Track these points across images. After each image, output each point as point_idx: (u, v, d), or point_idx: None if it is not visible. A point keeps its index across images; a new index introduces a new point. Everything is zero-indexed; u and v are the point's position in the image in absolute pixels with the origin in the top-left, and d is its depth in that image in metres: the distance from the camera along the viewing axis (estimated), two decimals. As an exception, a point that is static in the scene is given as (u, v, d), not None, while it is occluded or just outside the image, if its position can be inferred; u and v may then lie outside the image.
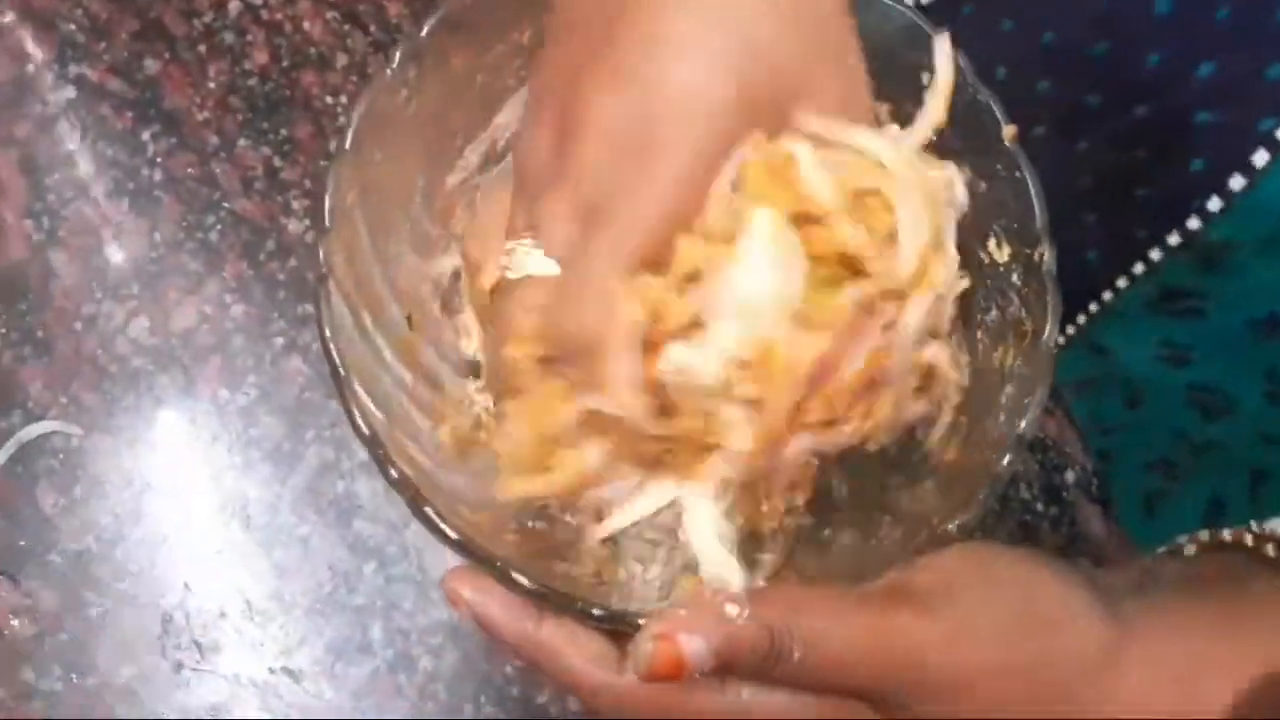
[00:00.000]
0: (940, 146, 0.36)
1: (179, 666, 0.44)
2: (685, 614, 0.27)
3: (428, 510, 0.30)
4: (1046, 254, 0.33)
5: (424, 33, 0.34)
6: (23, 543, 0.45)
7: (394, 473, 0.30)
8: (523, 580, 0.29)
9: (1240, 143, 0.37)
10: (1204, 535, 0.33)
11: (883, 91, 0.37)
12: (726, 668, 0.27)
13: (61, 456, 0.46)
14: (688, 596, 0.28)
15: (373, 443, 0.31)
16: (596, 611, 0.29)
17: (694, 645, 0.26)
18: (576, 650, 0.29)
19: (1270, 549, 0.31)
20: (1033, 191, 0.34)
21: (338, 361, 0.32)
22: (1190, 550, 0.34)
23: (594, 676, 0.28)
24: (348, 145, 0.33)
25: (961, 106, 0.35)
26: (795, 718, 0.28)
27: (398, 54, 0.34)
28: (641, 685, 0.27)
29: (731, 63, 0.28)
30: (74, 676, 0.43)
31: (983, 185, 0.35)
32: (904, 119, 0.35)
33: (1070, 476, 0.50)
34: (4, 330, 0.48)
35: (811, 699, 0.28)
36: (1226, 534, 0.32)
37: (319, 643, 0.45)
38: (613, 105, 0.28)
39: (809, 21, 0.29)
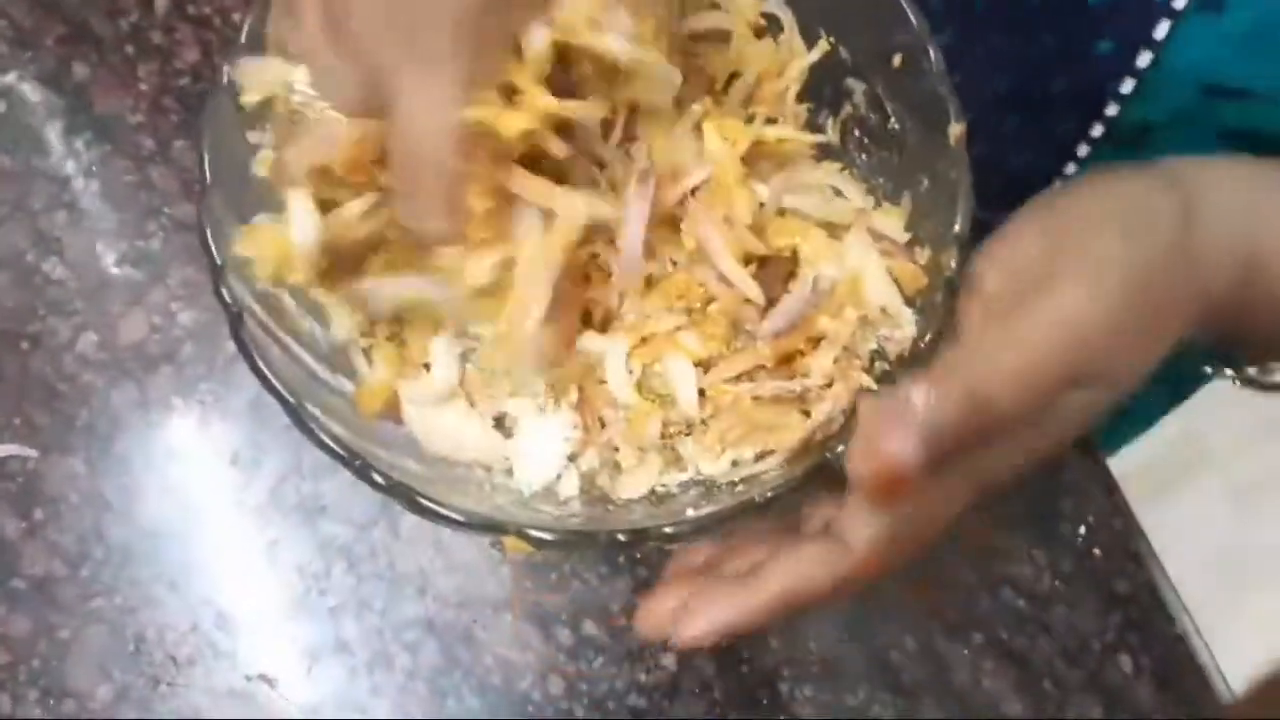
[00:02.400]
0: (899, 137, 0.36)
1: (155, 683, 0.43)
2: (876, 423, 0.25)
3: (424, 502, 0.30)
4: (954, 262, 0.32)
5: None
6: (-14, 570, 0.44)
7: (380, 480, 0.30)
8: (543, 535, 0.29)
9: (1141, 18, 0.37)
10: None
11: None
12: (942, 455, 0.26)
13: (19, 480, 0.45)
14: (868, 411, 0.27)
15: (350, 459, 0.30)
16: (622, 537, 0.29)
17: (902, 448, 0.25)
18: (804, 571, 0.28)
19: None
20: (960, 195, 0.33)
21: (282, 389, 0.31)
22: None
23: (838, 576, 0.28)
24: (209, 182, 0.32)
25: (924, 97, 0.34)
26: (1027, 452, 0.29)
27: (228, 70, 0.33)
28: (879, 548, 0.27)
29: None
30: (51, 701, 0.43)
31: (925, 182, 0.35)
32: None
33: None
34: (-49, 356, 0.47)
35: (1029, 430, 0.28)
36: None
37: (294, 648, 0.44)
38: None
39: None
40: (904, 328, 0.34)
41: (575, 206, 0.31)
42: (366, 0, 0.27)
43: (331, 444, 0.30)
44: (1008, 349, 0.27)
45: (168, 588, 0.44)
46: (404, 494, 0.30)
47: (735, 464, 0.34)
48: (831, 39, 0.37)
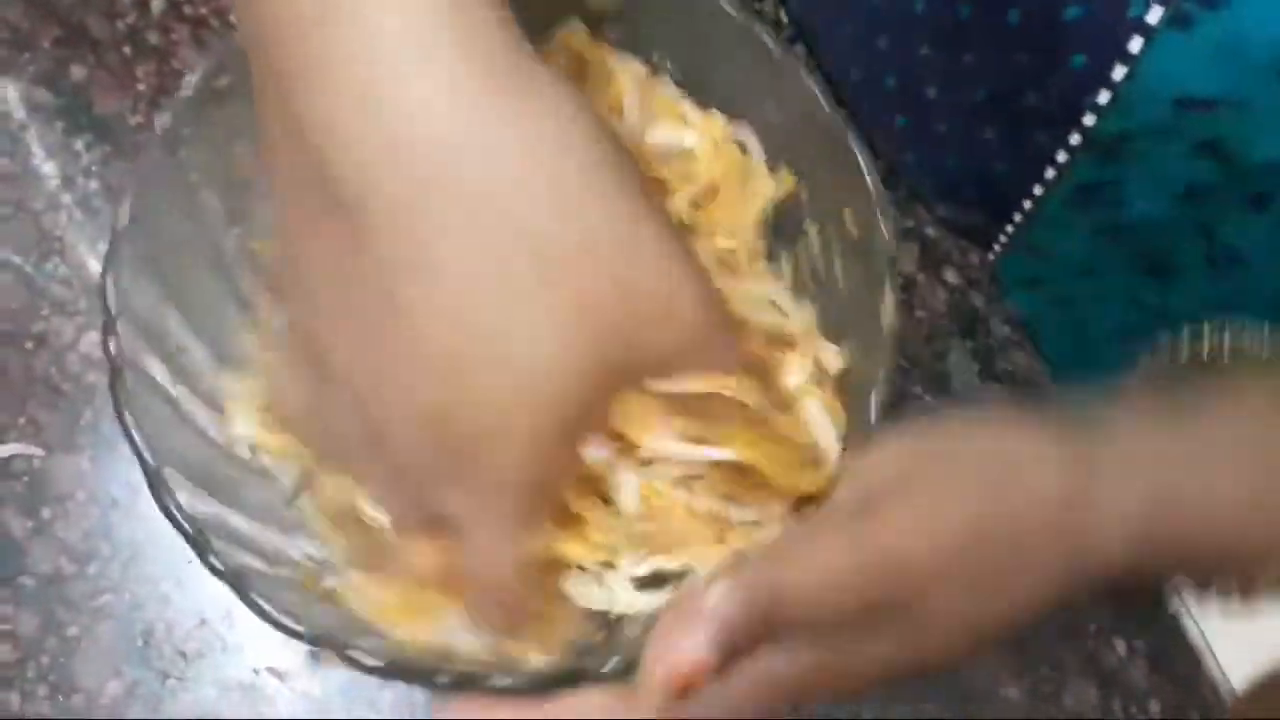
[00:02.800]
0: (845, 288, 0.37)
1: (164, 677, 0.44)
2: (670, 621, 0.26)
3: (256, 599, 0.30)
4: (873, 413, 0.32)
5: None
6: (-6, 569, 0.44)
7: (218, 565, 0.30)
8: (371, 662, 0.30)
9: (1114, 33, 0.37)
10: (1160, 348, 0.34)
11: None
12: (734, 652, 0.26)
13: (25, 479, 0.46)
14: (668, 603, 0.28)
15: (238, 584, 0.30)
16: (503, 683, 0.29)
17: (693, 648, 0.25)
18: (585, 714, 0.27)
19: (1227, 359, 0.32)
20: (880, 382, 0.33)
21: (146, 453, 0.31)
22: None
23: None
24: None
25: (868, 260, 0.35)
26: (822, 668, 0.27)
27: (168, 118, 0.33)
28: (667, 713, 0.26)
29: (547, 308, 0.25)
30: (60, 697, 0.43)
31: (856, 342, 0.35)
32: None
33: (1043, 407, 0.50)
34: (-46, 357, 0.47)
35: (829, 643, 0.27)
36: (1182, 343, 0.33)
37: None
38: (416, 393, 0.26)
39: (596, 207, 0.26)
40: (827, 469, 0.33)
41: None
42: (409, 433, 0.27)
43: (179, 518, 0.30)
44: (815, 556, 0.27)
45: (175, 584, 0.45)
46: (239, 587, 0.30)
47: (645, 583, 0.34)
48: (795, 175, 0.38)
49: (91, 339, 0.48)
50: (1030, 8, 0.40)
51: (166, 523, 0.45)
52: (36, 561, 0.45)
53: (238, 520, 0.32)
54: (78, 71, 0.51)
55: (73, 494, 0.46)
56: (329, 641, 0.29)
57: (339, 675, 0.44)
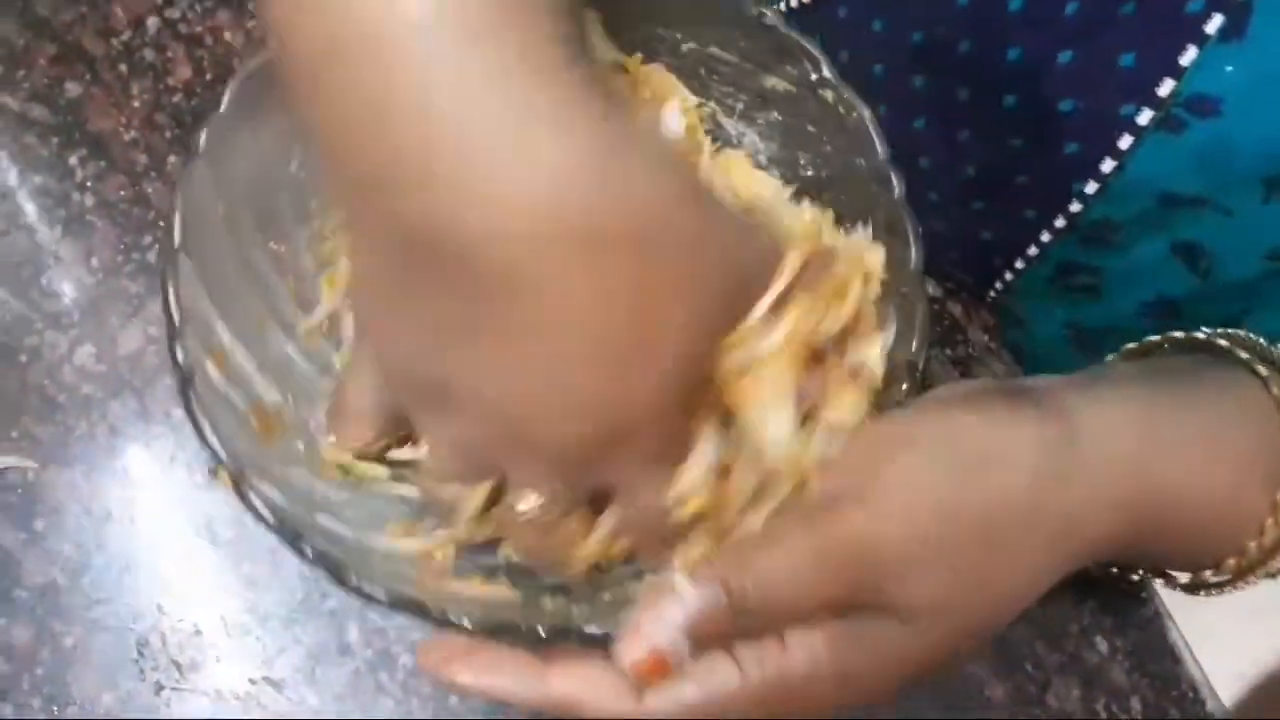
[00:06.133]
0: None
1: (159, 688, 0.44)
2: (641, 611, 0.27)
3: (351, 579, 0.31)
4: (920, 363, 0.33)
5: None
6: (-13, 581, 0.44)
7: (309, 552, 0.31)
8: (465, 624, 0.30)
9: (1106, 128, 0.38)
10: (1154, 338, 0.34)
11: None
12: (705, 639, 0.27)
13: (19, 491, 0.46)
14: (641, 596, 0.28)
15: (286, 532, 0.31)
16: (542, 633, 0.29)
17: (663, 634, 0.26)
18: (594, 692, 0.28)
19: (1223, 342, 0.31)
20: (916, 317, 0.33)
21: (222, 455, 0.32)
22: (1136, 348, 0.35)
23: (621, 714, 0.28)
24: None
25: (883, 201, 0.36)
26: (821, 657, 0.27)
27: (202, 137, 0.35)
28: (669, 704, 0.27)
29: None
30: (55, 709, 0.43)
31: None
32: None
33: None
34: (-52, 370, 0.47)
35: (819, 636, 0.27)
36: (1178, 334, 0.33)
37: (298, 650, 0.45)
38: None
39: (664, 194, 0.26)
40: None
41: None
42: (567, 428, 0.27)
43: (266, 514, 0.31)
44: (780, 546, 0.27)
45: (170, 595, 0.45)
46: (331, 567, 0.30)
47: None
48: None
49: (87, 352, 0.48)
50: (1026, 95, 0.41)
51: (160, 534, 0.46)
52: (30, 574, 0.45)
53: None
54: (73, 88, 0.52)
55: (66, 506, 0.46)
56: (417, 608, 0.31)
57: (336, 683, 0.44)
